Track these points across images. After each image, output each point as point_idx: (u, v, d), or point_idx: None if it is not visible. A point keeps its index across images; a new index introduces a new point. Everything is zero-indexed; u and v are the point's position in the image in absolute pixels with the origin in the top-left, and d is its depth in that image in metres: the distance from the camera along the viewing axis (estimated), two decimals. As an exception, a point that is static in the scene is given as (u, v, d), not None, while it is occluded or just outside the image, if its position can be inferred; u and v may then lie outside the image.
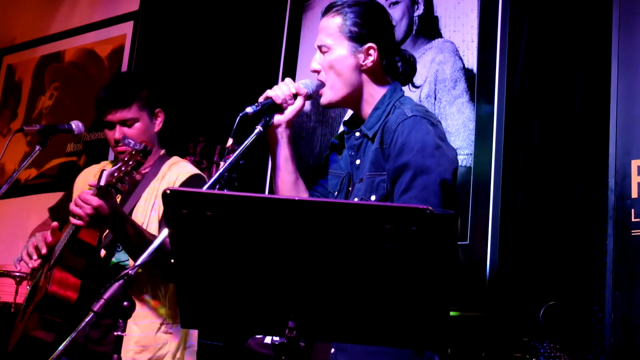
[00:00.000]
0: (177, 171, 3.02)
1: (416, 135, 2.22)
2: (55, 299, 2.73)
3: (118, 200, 3.00)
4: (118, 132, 2.97)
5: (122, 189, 2.63)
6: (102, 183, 2.62)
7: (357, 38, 2.37)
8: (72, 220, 2.67)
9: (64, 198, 3.25)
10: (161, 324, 2.88)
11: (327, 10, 2.42)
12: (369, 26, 2.39)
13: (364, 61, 2.37)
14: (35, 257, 2.87)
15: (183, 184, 2.95)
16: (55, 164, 5.63)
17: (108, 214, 2.64)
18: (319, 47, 2.41)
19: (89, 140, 5.43)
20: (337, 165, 2.48)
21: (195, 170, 3.06)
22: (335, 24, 2.38)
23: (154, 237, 2.80)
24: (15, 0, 6.21)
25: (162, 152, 3.15)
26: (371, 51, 2.37)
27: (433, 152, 2.20)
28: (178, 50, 5.06)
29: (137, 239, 2.74)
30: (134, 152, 2.63)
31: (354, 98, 2.40)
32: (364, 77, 2.39)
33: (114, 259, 2.91)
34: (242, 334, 2.93)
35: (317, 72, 2.41)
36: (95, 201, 2.61)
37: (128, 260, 2.88)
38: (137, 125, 3.00)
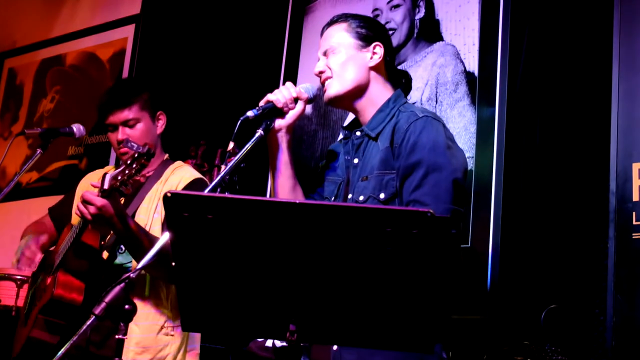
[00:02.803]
0: (180, 175, 3.04)
1: (428, 135, 2.24)
2: (61, 302, 2.76)
3: (121, 202, 3.02)
4: (121, 133, 3.00)
5: (125, 192, 2.63)
6: (105, 187, 2.63)
7: (364, 37, 2.43)
8: (78, 215, 2.70)
9: (65, 200, 3.27)
10: (162, 326, 2.89)
11: (330, 22, 2.49)
12: (373, 30, 2.46)
13: (371, 58, 2.41)
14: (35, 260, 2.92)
15: (185, 188, 2.96)
16: (56, 168, 5.63)
17: (112, 214, 2.65)
18: (325, 52, 2.43)
19: (90, 143, 5.43)
20: (334, 173, 2.49)
21: (198, 175, 3.09)
22: (340, 28, 2.44)
23: (157, 239, 2.81)
24: (17, 4, 6.21)
25: (166, 156, 3.18)
26: (377, 49, 2.43)
27: (445, 151, 2.23)
28: (179, 53, 5.06)
29: (141, 240, 2.76)
30: (137, 155, 2.63)
31: (358, 96, 2.42)
32: (372, 76, 2.43)
33: (116, 261, 2.92)
34: (243, 337, 2.93)
35: (322, 72, 2.42)
36: (99, 201, 2.62)
37: (131, 262, 2.89)
38: (139, 126, 3.03)
